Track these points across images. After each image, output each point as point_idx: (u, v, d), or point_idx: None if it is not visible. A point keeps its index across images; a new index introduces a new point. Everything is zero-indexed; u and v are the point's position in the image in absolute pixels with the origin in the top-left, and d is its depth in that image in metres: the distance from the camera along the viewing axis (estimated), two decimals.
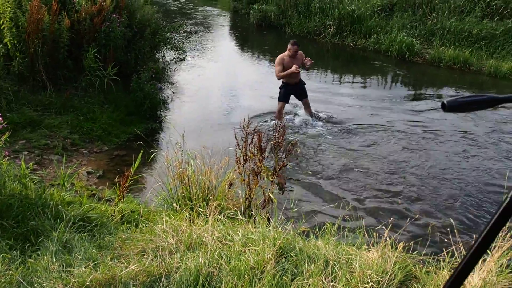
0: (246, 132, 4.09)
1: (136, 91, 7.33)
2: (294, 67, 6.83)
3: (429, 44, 12.20)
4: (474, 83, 10.51)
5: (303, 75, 8.04)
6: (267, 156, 4.15)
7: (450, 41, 11.85)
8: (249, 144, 4.12)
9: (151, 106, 7.42)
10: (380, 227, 3.39)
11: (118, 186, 4.25)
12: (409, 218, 4.25)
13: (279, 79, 7.23)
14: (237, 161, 4.14)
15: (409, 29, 12.73)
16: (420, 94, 9.80)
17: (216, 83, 9.97)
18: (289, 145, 4.18)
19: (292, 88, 7.32)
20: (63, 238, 3.14)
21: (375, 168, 6.07)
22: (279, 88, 7.39)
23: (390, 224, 3.25)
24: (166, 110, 7.90)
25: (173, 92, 8.86)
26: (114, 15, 7.57)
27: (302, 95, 7.46)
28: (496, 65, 10.65)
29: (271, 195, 3.92)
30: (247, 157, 4.12)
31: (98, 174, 5.58)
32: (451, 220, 4.08)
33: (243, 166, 4.15)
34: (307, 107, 7.55)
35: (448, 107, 1.01)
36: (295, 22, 14.96)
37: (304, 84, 7.47)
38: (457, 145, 6.91)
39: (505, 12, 12.03)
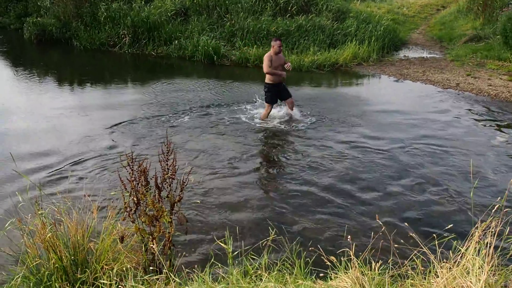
0: (132, 169, 3.21)
1: None
2: (285, 70, 7.44)
3: (232, 46, 12.33)
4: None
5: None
6: (166, 196, 3.32)
7: (251, 40, 12.19)
8: (137, 184, 3.24)
9: None
10: (342, 249, 2.96)
11: None
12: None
13: (266, 73, 7.40)
14: (126, 207, 3.22)
15: (209, 31, 12.66)
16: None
17: None
18: (184, 175, 3.43)
19: (277, 88, 7.54)
20: None
21: (280, 186, 5.61)
22: (265, 91, 7.57)
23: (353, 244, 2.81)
24: None
25: None
26: None
27: (286, 94, 7.72)
28: (298, 60, 11.34)
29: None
30: (138, 200, 3.24)
31: None
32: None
33: (135, 212, 3.26)
34: (290, 106, 7.80)
35: None
36: (83, 34, 13.52)
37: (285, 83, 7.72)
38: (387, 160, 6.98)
39: (292, 10, 12.94)
